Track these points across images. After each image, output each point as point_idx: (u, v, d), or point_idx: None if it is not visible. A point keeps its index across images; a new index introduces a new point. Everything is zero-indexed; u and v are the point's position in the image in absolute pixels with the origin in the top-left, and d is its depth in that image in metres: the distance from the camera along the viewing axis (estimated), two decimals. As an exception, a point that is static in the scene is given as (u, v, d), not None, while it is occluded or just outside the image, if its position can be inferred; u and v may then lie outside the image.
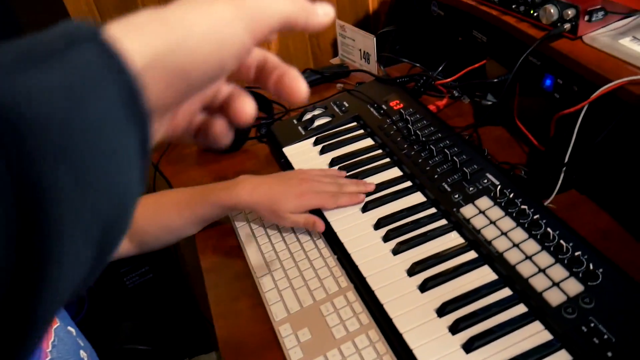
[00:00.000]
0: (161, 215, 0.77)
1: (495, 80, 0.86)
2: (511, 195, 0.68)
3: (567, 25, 0.69)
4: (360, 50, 1.13)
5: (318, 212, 0.75)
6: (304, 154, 0.88)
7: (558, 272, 0.59)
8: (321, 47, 1.39)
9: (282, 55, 1.35)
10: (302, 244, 0.74)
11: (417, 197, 0.75)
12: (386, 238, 0.69)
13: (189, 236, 0.80)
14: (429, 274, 0.63)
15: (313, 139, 0.91)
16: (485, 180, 0.72)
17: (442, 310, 0.59)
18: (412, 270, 0.64)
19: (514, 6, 0.77)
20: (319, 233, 0.75)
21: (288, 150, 0.89)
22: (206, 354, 0.94)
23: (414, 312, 0.60)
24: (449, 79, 0.94)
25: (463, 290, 0.61)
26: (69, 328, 0.63)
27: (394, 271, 0.65)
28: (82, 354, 0.62)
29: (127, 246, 0.77)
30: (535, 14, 0.74)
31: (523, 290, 0.59)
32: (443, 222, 0.70)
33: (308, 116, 0.96)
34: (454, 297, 0.60)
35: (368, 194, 0.76)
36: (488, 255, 0.64)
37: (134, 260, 1.31)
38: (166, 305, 1.32)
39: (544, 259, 0.61)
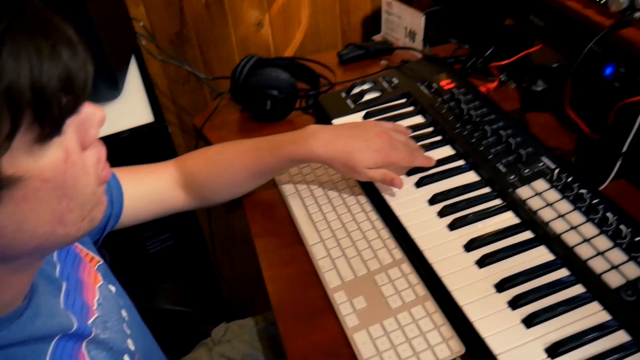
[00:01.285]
0: (223, 169, 0.76)
1: (555, 65, 0.86)
2: (568, 180, 0.69)
3: (637, 14, 0.69)
4: (405, 28, 1.13)
5: (370, 186, 0.76)
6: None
7: (617, 255, 0.60)
8: (351, 24, 1.39)
9: (311, 31, 1.36)
10: (353, 215, 0.75)
11: (471, 176, 0.76)
12: (442, 214, 0.70)
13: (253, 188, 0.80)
14: (487, 251, 0.64)
15: (363, 112, 0.91)
16: (541, 164, 0.73)
17: (501, 286, 0.60)
18: (470, 246, 0.65)
19: (580, -9, 0.77)
20: (371, 204, 0.75)
21: (337, 123, 0.90)
22: (242, 319, 0.95)
23: (473, 286, 0.61)
24: (504, 62, 0.94)
25: (521, 269, 0.62)
26: (110, 286, 0.64)
27: (450, 246, 0.66)
28: (124, 313, 0.63)
29: (185, 198, 0.77)
30: (602, 1, 0.74)
31: (581, 271, 0.60)
32: (498, 201, 0.71)
33: (357, 90, 0.96)
34: (512, 274, 0.61)
35: (422, 170, 0.77)
36: (545, 236, 0.65)
37: (156, 226, 1.33)
38: (187, 272, 1.34)
39: (603, 242, 0.62)
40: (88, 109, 0.40)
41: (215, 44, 1.29)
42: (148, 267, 1.29)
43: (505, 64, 0.94)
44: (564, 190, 0.68)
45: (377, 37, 1.25)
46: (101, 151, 0.44)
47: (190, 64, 1.26)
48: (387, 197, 0.74)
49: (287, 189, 0.82)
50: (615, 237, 0.62)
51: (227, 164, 0.76)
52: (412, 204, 0.73)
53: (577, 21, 0.78)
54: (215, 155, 0.77)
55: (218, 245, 1.45)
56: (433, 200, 0.72)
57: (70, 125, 0.38)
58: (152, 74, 1.27)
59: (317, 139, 0.72)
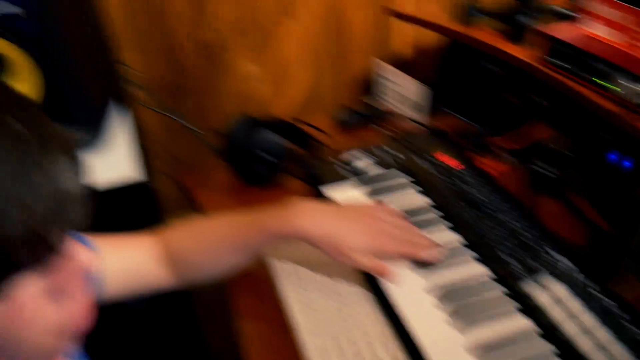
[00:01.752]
0: (206, 246, 0.70)
1: (561, 148, 0.83)
2: (583, 280, 0.65)
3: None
4: (404, 95, 1.10)
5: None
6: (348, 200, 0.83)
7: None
8: (345, 84, 1.34)
9: (310, 91, 1.29)
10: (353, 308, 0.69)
11: (480, 269, 0.70)
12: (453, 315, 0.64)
13: (240, 269, 0.72)
14: (502, 361, 0.58)
15: (359, 186, 0.86)
16: (559, 262, 0.68)
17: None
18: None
19: (589, 77, 0.75)
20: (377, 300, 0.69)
21: (331, 194, 0.84)
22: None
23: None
24: (508, 141, 0.91)
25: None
26: None
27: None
28: None
29: (166, 276, 0.70)
30: (611, 89, 0.72)
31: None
32: (514, 303, 0.65)
33: (355, 162, 0.91)
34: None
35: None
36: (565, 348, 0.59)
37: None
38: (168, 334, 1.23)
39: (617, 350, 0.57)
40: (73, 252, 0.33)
41: (211, 96, 1.24)
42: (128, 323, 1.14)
43: (509, 143, 0.91)
44: (583, 298, 0.63)
45: (369, 100, 1.21)
46: (81, 307, 0.35)
47: (185, 115, 1.20)
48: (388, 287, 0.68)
49: (283, 270, 0.75)
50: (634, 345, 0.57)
51: (210, 243, 0.70)
52: (417, 300, 0.67)
53: (586, 107, 0.75)
54: (196, 233, 0.71)
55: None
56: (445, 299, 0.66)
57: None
58: (146, 121, 1.20)
59: (304, 215, 0.67)
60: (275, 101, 1.29)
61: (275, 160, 0.91)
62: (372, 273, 0.68)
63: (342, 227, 0.67)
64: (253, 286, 0.75)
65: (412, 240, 0.70)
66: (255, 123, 0.98)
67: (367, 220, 0.69)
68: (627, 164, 0.73)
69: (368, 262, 0.67)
